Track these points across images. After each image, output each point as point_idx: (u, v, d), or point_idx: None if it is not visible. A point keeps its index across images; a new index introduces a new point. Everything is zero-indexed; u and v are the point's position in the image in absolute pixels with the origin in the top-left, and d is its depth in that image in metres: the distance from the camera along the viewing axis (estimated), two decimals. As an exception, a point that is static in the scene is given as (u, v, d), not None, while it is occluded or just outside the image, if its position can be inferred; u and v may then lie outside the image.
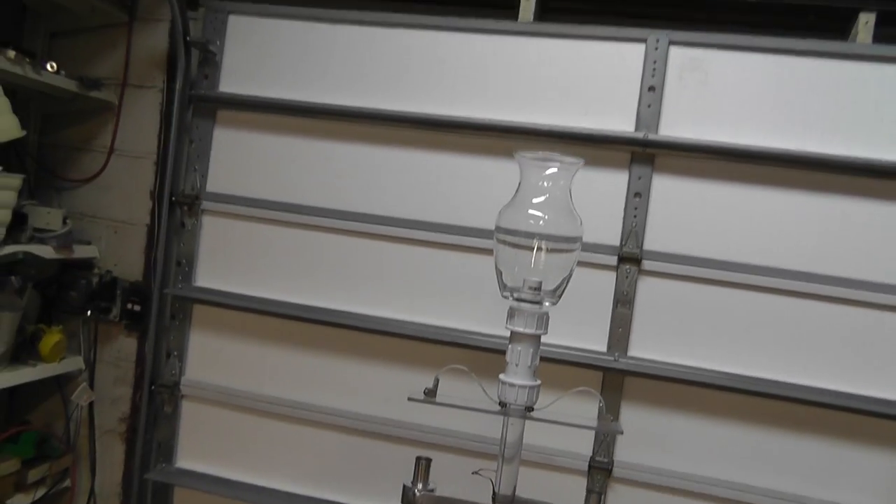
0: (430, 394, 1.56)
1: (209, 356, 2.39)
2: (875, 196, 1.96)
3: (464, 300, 2.20)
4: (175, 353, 2.39)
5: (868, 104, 1.96)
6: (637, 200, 2.08)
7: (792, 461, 2.02)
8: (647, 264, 2.07)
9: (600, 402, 1.59)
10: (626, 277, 2.08)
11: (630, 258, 2.07)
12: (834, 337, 2.00)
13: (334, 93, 2.29)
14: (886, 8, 1.94)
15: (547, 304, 1.54)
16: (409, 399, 1.56)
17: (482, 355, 2.11)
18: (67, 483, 2.43)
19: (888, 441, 1.98)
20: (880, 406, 1.95)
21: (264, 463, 2.36)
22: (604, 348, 2.10)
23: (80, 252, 2.38)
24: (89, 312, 2.40)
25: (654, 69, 2.05)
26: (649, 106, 2.06)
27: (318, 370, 2.32)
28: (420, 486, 1.58)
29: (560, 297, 1.57)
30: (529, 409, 1.53)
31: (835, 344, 2.00)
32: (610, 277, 2.09)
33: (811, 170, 1.99)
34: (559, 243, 1.52)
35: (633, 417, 2.10)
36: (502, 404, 1.53)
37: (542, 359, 1.58)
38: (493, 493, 1.55)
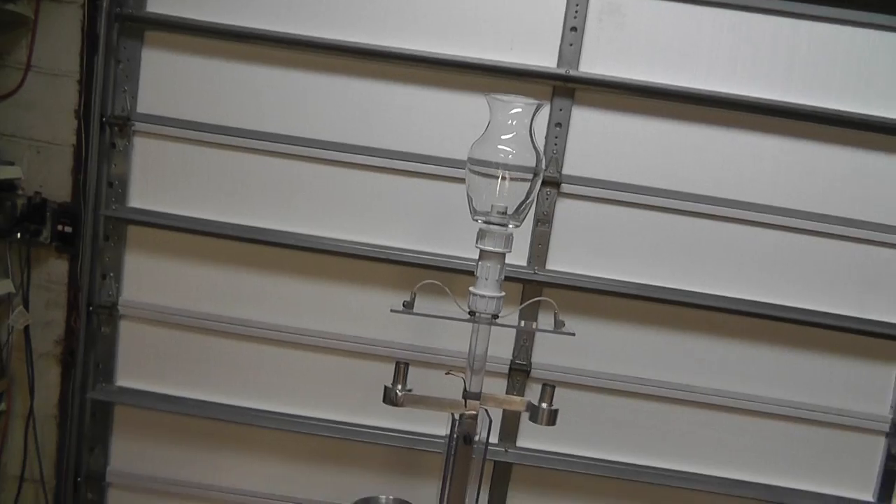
0: (409, 305, 1.74)
1: (145, 277, 2.44)
2: (762, 130, 2.28)
3: (390, 219, 2.37)
4: (111, 274, 2.42)
5: (766, 51, 2.25)
6: (557, 130, 2.30)
7: (682, 356, 2.38)
8: (565, 188, 2.32)
9: (555, 309, 1.83)
10: (546, 199, 2.32)
11: (550, 181, 2.31)
12: (714, 249, 2.34)
13: (266, 18, 2.32)
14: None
15: (511, 226, 1.73)
16: (392, 311, 1.73)
17: (410, 270, 2.33)
18: (2, 406, 2.46)
19: (754, 335, 2.37)
20: (746, 306, 2.33)
21: (203, 378, 2.48)
22: (524, 262, 2.35)
23: (5, 173, 2.35)
24: (19, 235, 2.38)
25: (577, 11, 2.25)
26: (571, 45, 2.26)
27: (252, 287, 2.43)
28: (400, 386, 1.75)
29: (523, 220, 1.77)
30: (495, 316, 1.74)
31: (714, 254, 2.34)
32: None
33: (710, 105, 2.27)
34: (523, 173, 1.71)
35: (550, 323, 2.37)
36: (471, 313, 1.74)
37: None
38: (465, 389, 1.77)
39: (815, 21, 2.27)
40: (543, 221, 2.34)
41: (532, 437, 2.45)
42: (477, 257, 1.72)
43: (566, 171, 2.32)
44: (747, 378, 2.41)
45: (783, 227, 2.34)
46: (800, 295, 2.38)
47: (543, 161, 1.76)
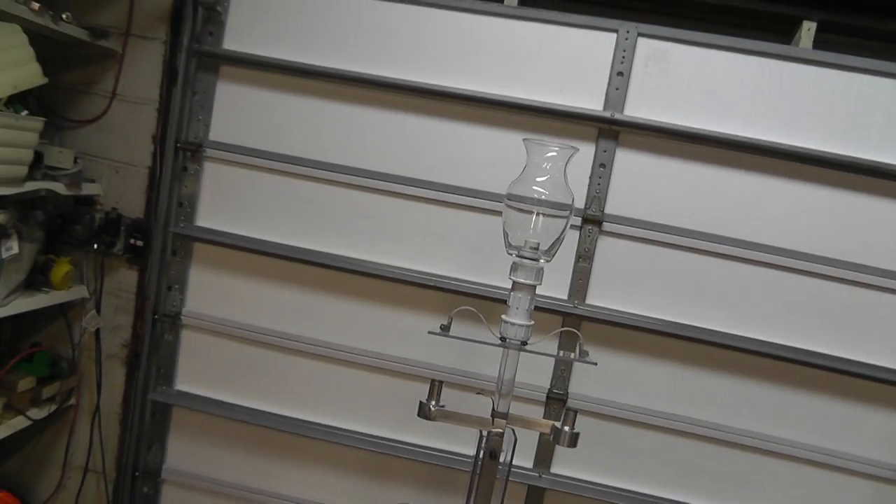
0: (445, 328, 1.88)
1: (208, 290, 2.65)
2: (808, 180, 2.34)
3: (436, 247, 2.51)
4: (176, 286, 2.63)
5: (806, 101, 2.32)
6: (601, 170, 2.41)
7: (719, 396, 2.43)
8: (607, 226, 2.42)
9: (580, 339, 1.95)
10: (588, 236, 2.42)
11: (592, 220, 2.41)
12: (749, 292, 2.39)
13: (331, 56, 2.51)
14: (826, 18, 2.31)
15: (542, 261, 1.87)
16: (430, 332, 1.89)
17: (452, 297, 2.46)
18: (72, 401, 2.68)
19: (805, 382, 2.41)
20: (780, 350, 2.37)
21: (256, 387, 2.65)
22: (565, 296, 2.46)
23: (87, 189, 2.58)
24: (95, 246, 2.61)
25: (623, 57, 2.36)
26: (617, 89, 2.37)
27: (305, 305, 2.60)
28: (433, 403, 1.89)
29: (553, 255, 1.90)
30: (524, 343, 1.87)
31: (750, 297, 2.39)
32: (573, 235, 2.43)
33: (750, 152, 2.35)
34: (556, 210, 1.85)
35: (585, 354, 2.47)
36: (502, 339, 1.87)
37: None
38: (493, 409, 1.89)
39: (856, 73, 2.32)
40: (585, 258, 2.44)
41: (566, 464, 2.54)
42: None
43: (608, 210, 2.42)
44: (777, 421, 2.44)
45: (820, 274, 2.38)
46: (833, 342, 2.40)
47: (581, 198, 1.87)
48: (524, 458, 2.53)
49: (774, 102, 2.34)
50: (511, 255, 1.87)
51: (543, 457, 2.54)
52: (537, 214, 1.82)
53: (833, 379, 2.40)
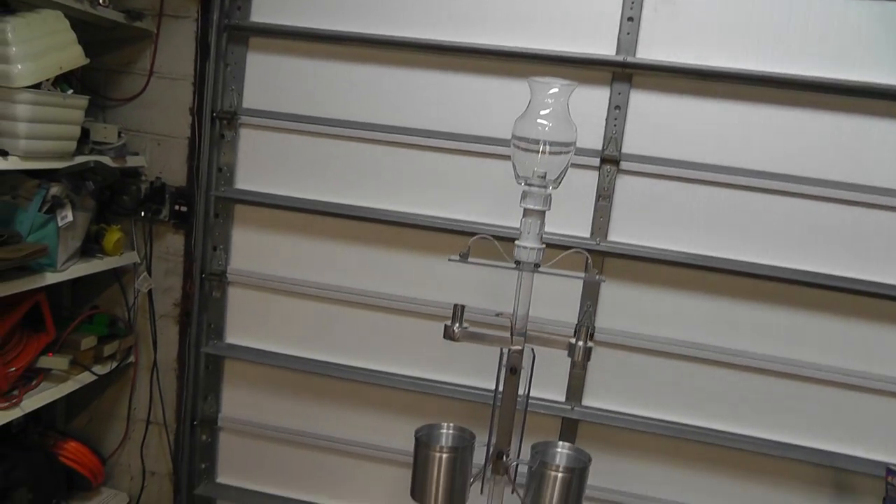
0: (464, 256, 2.05)
1: (250, 248, 2.83)
2: (820, 107, 2.41)
3: (461, 195, 2.65)
4: (220, 246, 2.81)
5: (817, 29, 2.38)
6: (617, 112, 2.52)
7: (741, 323, 2.54)
8: (625, 165, 2.53)
9: (587, 258, 2.10)
10: (607, 176, 2.54)
11: (610, 160, 2.53)
12: (774, 221, 2.48)
13: (353, 21, 2.65)
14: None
15: (549, 188, 2.02)
16: (449, 259, 2.07)
17: (477, 241, 2.50)
18: (131, 359, 2.89)
19: (822, 305, 2.50)
20: (796, 275, 2.46)
21: (301, 336, 2.84)
22: (587, 234, 2.58)
23: (132, 161, 2.76)
24: (143, 213, 2.80)
25: (633, 3, 2.46)
26: (628, 33, 2.48)
27: (342, 256, 2.77)
28: (457, 325, 2.06)
29: (560, 183, 2.05)
30: (536, 265, 2.03)
31: (775, 226, 2.48)
32: (593, 176, 2.55)
33: (761, 85, 2.43)
34: (558, 146, 2.01)
35: (610, 292, 2.60)
36: (517, 262, 2.04)
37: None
38: (511, 328, 2.06)
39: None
40: (604, 197, 2.55)
41: (597, 397, 2.67)
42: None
43: (625, 150, 2.53)
44: (800, 344, 2.53)
45: (837, 199, 2.45)
46: (853, 265, 2.48)
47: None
48: (557, 393, 2.68)
49: (782, 33, 2.41)
50: (520, 184, 2.03)
51: (575, 390, 2.67)
52: (542, 148, 1.99)
53: (852, 300, 2.49)
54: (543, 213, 2.03)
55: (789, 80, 2.41)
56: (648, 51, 2.49)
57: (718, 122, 2.49)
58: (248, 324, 2.88)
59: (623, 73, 2.50)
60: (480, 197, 2.64)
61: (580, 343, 2.03)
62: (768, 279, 2.51)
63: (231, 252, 2.84)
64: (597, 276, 2.12)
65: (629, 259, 2.56)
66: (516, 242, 2.04)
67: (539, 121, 2.03)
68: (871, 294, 2.46)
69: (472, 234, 2.58)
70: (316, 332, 2.83)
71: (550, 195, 2.03)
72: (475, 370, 2.70)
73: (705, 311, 2.57)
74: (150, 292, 2.87)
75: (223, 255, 2.82)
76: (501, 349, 2.09)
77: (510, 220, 2.58)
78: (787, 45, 2.42)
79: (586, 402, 2.67)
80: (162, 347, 2.92)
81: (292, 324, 2.84)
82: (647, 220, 2.57)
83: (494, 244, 2.11)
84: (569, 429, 2.68)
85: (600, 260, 2.58)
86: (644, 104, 2.52)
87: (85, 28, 2.64)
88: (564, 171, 2.06)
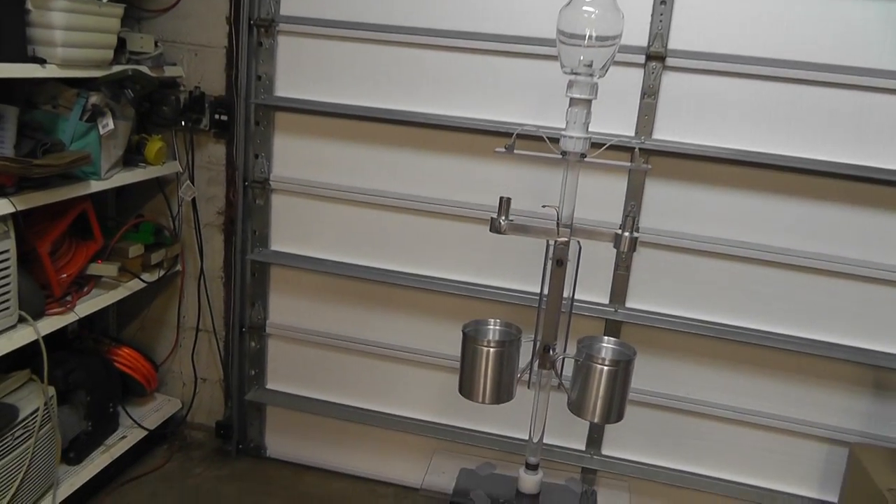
0: (510, 148, 2.07)
1: (292, 155, 2.85)
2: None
3: (507, 97, 2.63)
4: (262, 154, 2.84)
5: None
6: (662, 7, 2.46)
7: (782, 220, 2.53)
8: (671, 61, 2.49)
9: (635, 149, 2.11)
10: (652, 73, 2.51)
11: (656, 56, 2.49)
12: (827, 116, 2.44)
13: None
14: None
15: (596, 76, 2.02)
16: (496, 150, 2.09)
17: (523, 142, 2.45)
18: (178, 267, 2.96)
19: (870, 200, 2.48)
20: (845, 169, 2.43)
21: (345, 242, 2.88)
22: (632, 133, 2.56)
23: (169, 72, 2.77)
24: (183, 123, 2.82)
25: None
26: None
27: (386, 162, 2.78)
28: (503, 218, 2.08)
29: (606, 71, 2.05)
30: (583, 156, 2.05)
31: (826, 122, 2.45)
32: (638, 74, 2.52)
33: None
34: (604, 38, 1.99)
35: (654, 191, 2.60)
36: (563, 153, 2.06)
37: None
38: (557, 219, 2.09)
39: None
40: (650, 94, 2.52)
41: (639, 298, 2.70)
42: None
43: (671, 45, 2.49)
44: (845, 241, 2.52)
45: (888, 89, 2.39)
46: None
47: (623, 22, 1.98)
48: (601, 295, 2.71)
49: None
50: (566, 73, 2.03)
51: (618, 292, 2.70)
52: (588, 38, 1.97)
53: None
54: (590, 102, 2.04)
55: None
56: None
57: (766, 11, 2.41)
58: (292, 231, 2.92)
59: (672, -38, 2.46)
60: (525, 98, 2.62)
61: (626, 234, 2.04)
62: (815, 173, 2.48)
63: (273, 159, 2.86)
64: (642, 165, 2.12)
65: (674, 157, 2.55)
66: (562, 132, 2.05)
67: (585, 8, 1.99)
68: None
69: (520, 136, 2.60)
70: (361, 238, 2.86)
71: (597, 84, 2.02)
72: (521, 274, 2.72)
73: (751, 208, 2.56)
74: (193, 201, 2.91)
75: (265, 162, 2.84)
76: (548, 241, 2.12)
77: (554, 120, 2.55)
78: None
79: (630, 304, 2.70)
80: (208, 256, 2.97)
81: (337, 230, 2.87)
82: (692, 117, 2.54)
83: (543, 139, 2.11)
84: (612, 331, 2.72)
85: (644, 158, 2.55)
86: (691, -2, 2.49)
87: (117, -64, 2.68)
88: (611, 60, 2.04)
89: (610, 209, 2.62)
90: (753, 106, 2.50)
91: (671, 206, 2.60)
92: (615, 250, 2.21)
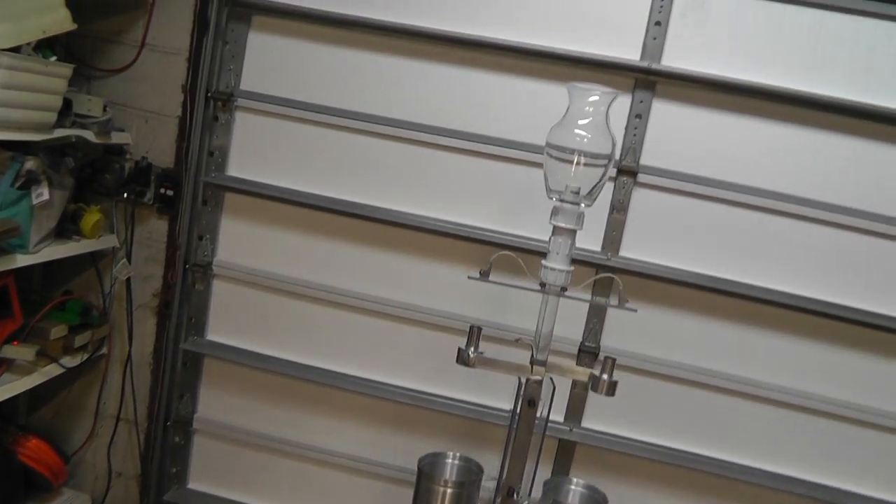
0: (485, 274, 1.93)
1: (239, 240, 2.70)
2: (845, 132, 2.35)
3: (470, 198, 2.55)
4: (207, 235, 2.68)
5: (846, 50, 2.32)
6: (637, 121, 2.43)
7: (747, 349, 2.47)
8: (642, 178, 2.44)
9: (620, 286, 2.00)
10: (623, 188, 2.45)
11: (627, 171, 2.44)
12: (785, 245, 2.42)
13: (362, 5, 2.52)
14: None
15: (583, 205, 1.90)
16: (469, 277, 1.95)
17: (485, 248, 2.50)
18: (104, 350, 2.74)
19: (837, 337, 2.44)
20: (814, 304, 2.40)
21: (288, 339, 2.72)
22: (598, 248, 2.49)
23: (116, 138, 2.61)
24: (125, 194, 2.64)
25: (661, 6, 2.37)
26: (654, 38, 2.39)
27: (337, 256, 2.65)
28: (472, 349, 1.93)
29: (594, 200, 1.93)
30: (563, 289, 1.91)
31: (786, 251, 2.42)
32: (608, 187, 2.45)
33: (787, 103, 2.36)
34: (597, 158, 1.88)
35: (617, 310, 2.47)
36: (542, 284, 1.91)
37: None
38: (532, 356, 1.94)
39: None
40: (619, 209, 2.47)
41: (597, 418, 2.58)
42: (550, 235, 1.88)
43: (644, 161, 2.45)
44: (809, 376, 2.47)
45: (858, 228, 2.39)
46: (868, 297, 2.42)
47: (618, 147, 1.91)
48: (555, 412, 2.55)
49: (813, 52, 2.34)
50: (552, 199, 1.91)
51: (574, 410, 2.58)
52: (578, 160, 1.86)
53: (865, 333, 2.42)
54: (574, 232, 1.90)
55: (818, 101, 2.35)
56: (674, 59, 2.40)
57: (742, 138, 2.41)
58: (231, 320, 2.75)
59: (647, 80, 2.41)
60: (490, 202, 2.54)
61: (605, 376, 1.91)
62: (783, 307, 2.43)
63: (218, 242, 2.71)
64: (626, 305, 1.99)
65: (640, 277, 2.47)
66: (543, 263, 1.91)
67: (577, 131, 1.90)
68: (886, 329, 2.40)
69: (480, 241, 2.54)
70: (305, 335, 2.71)
71: (583, 213, 1.90)
72: (473, 385, 2.59)
73: (716, 335, 2.50)
74: (128, 280, 2.72)
75: (209, 245, 2.69)
76: (519, 378, 1.97)
77: (522, 228, 2.52)
78: (816, 64, 2.35)
79: (587, 423, 2.58)
80: (138, 340, 2.77)
81: (280, 324, 2.71)
82: (660, 236, 2.49)
83: (518, 261, 1.98)
84: (565, 450, 2.60)
85: (610, 277, 2.48)
86: (666, 115, 2.44)
87: (73, -10, 2.55)
88: (600, 187, 1.93)
89: (570, 325, 2.51)
90: (724, 231, 2.46)
91: (635, 326, 2.50)
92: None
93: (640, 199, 2.47)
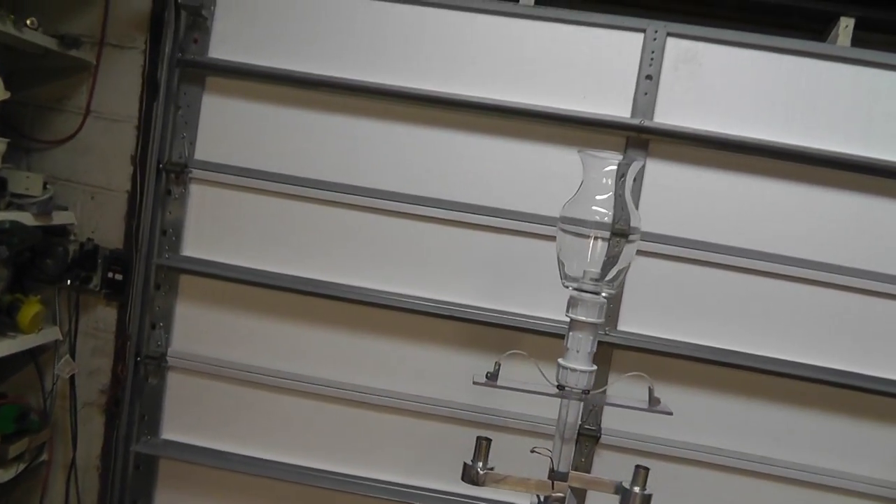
0: (492, 377, 1.67)
1: (197, 327, 2.46)
2: (846, 187, 2.22)
3: (449, 272, 2.35)
4: (161, 323, 2.43)
5: (844, 103, 2.20)
6: (632, 183, 2.26)
7: (759, 426, 2.29)
8: (638, 244, 2.26)
9: (650, 386, 1.74)
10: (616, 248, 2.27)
11: (620, 234, 2.26)
12: (792, 311, 2.27)
13: (327, 63, 2.35)
14: (865, 14, 2.18)
15: (605, 294, 1.68)
16: (475, 383, 1.68)
17: (468, 327, 2.32)
18: (44, 457, 2.46)
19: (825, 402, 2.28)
20: (831, 375, 2.24)
21: (253, 433, 2.47)
22: (596, 323, 2.30)
23: (58, 219, 2.38)
24: (69, 281, 2.41)
25: (652, 59, 2.23)
26: (646, 93, 2.24)
27: (307, 341, 2.43)
28: (481, 464, 1.68)
29: (617, 287, 1.72)
30: (586, 392, 1.66)
31: (793, 317, 2.27)
32: (598, 249, 2.27)
33: (787, 160, 2.22)
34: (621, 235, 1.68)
35: (619, 386, 2.31)
36: (560, 387, 1.67)
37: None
38: (551, 469, 1.68)
39: (897, 71, 2.24)
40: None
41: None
42: (567, 326, 1.68)
43: (635, 226, 2.28)
44: (829, 453, 2.30)
45: (862, 290, 2.25)
46: (877, 364, 2.27)
47: (641, 223, 1.72)
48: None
49: (811, 104, 2.22)
50: (568, 287, 1.69)
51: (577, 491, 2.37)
52: (596, 239, 1.65)
53: (878, 402, 2.27)
54: (596, 326, 1.66)
55: (816, 157, 2.22)
56: (667, 115, 2.25)
57: (742, 198, 2.26)
58: (189, 417, 2.49)
59: (639, 138, 2.25)
60: (470, 275, 2.34)
61: (636, 489, 1.67)
62: (794, 378, 2.26)
63: (173, 331, 2.45)
64: (659, 408, 1.76)
65: (640, 352, 2.28)
66: (560, 362, 1.68)
67: (595, 207, 1.68)
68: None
69: (463, 319, 2.32)
70: (272, 429, 2.46)
71: (605, 303, 1.67)
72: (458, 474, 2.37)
73: (722, 411, 2.32)
74: (72, 378, 2.47)
75: (163, 333, 2.44)
76: (538, 496, 1.71)
77: (508, 304, 2.32)
78: (814, 118, 2.23)
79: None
80: (83, 443, 2.51)
81: (243, 418, 2.46)
82: (659, 307, 2.31)
83: (532, 360, 1.66)
84: (603, 356, 2.30)
85: (608, 351, 2.28)
86: (660, 175, 2.27)
87: (8, 54, 2.32)
88: (627, 268, 1.71)
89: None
90: (728, 299, 2.29)
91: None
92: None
93: (637, 267, 2.25)
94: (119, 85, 2.44)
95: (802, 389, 2.29)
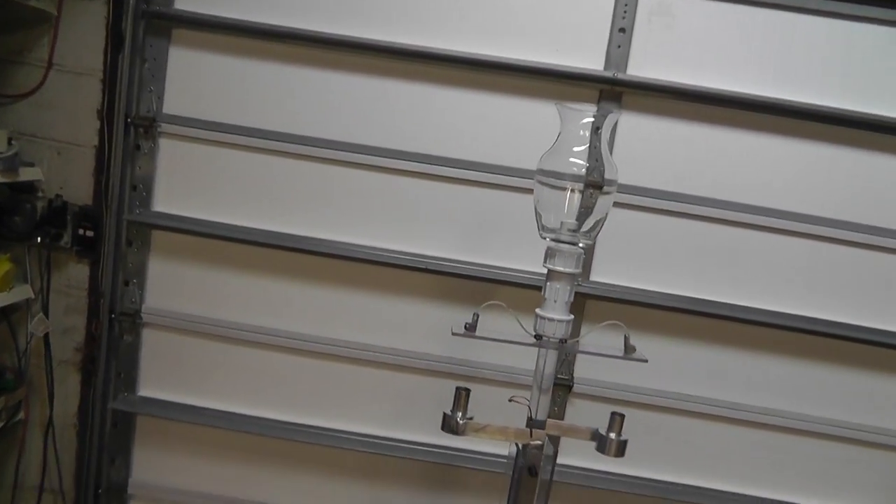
0: (471, 328, 1.68)
1: (170, 283, 2.45)
2: (821, 139, 2.26)
3: (424, 226, 2.37)
4: (134, 280, 2.42)
5: (819, 56, 2.22)
6: (607, 136, 2.27)
7: (731, 373, 2.37)
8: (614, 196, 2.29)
9: (626, 334, 1.76)
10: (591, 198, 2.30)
11: (594, 186, 2.28)
12: (761, 260, 2.33)
13: (298, 16, 2.31)
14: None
15: (582, 244, 1.70)
16: (454, 334, 1.69)
17: (444, 280, 2.34)
18: (21, 416, 2.45)
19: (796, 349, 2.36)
20: (802, 322, 2.31)
21: (230, 389, 2.49)
22: (569, 276, 2.34)
23: (25, 174, 2.32)
24: (39, 238, 2.36)
25: (626, 11, 2.22)
26: (619, 46, 2.24)
27: (281, 295, 2.44)
28: (460, 414, 1.70)
29: (595, 238, 1.74)
30: (563, 341, 1.69)
31: (761, 265, 2.33)
32: (576, 201, 2.30)
33: (760, 111, 2.25)
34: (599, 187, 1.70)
35: (594, 335, 2.35)
36: (538, 336, 1.69)
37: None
38: (529, 418, 1.71)
39: (872, 23, 2.23)
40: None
41: (572, 454, 2.41)
42: (543, 277, 1.68)
43: (609, 176, 2.30)
44: (795, 396, 2.39)
45: (835, 239, 2.31)
46: (852, 310, 2.35)
47: (618, 174, 1.74)
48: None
49: (785, 57, 2.25)
50: (545, 238, 1.70)
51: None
52: (573, 191, 1.65)
53: (849, 348, 2.35)
54: (574, 276, 1.68)
55: (791, 108, 2.24)
56: (640, 68, 2.26)
57: (715, 150, 2.29)
58: (165, 373, 2.50)
59: (612, 90, 2.26)
60: (447, 229, 2.35)
61: (612, 435, 1.69)
62: (765, 325, 2.33)
63: (146, 287, 2.45)
64: (635, 356, 1.78)
65: (613, 302, 2.32)
66: (538, 311, 1.68)
67: (572, 159, 1.68)
68: (872, 342, 2.33)
69: (439, 272, 2.34)
70: (250, 384, 2.48)
71: (583, 253, 1.68)
72: (437, 424, 2.41)
73: (695, 359, 2.38)
74: (46, 335, 2.44)
75: (137, 290, 2.43)
76: (517, 444, 1.73)
77: (484, 256, 2.34)
78: (789, 70, 2.25)
79: (561, 460, 2.35)
80: (60, 401, 2.49)
81: (220, 374, 2.48)
82: (632, 257, 2.35)
83: (508, 309, 1.67)
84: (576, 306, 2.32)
85: (581, 302, 2.33)
86: (633, 127, 2.28)
87: (-37, 5, 2.25)
88: (604, 220, 1.73)
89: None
90: (699, 249, 2.34)
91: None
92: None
93: (610, 219, 2.26)
94: (82, 37, 2.35)
95: (775, 337, 2.36)
